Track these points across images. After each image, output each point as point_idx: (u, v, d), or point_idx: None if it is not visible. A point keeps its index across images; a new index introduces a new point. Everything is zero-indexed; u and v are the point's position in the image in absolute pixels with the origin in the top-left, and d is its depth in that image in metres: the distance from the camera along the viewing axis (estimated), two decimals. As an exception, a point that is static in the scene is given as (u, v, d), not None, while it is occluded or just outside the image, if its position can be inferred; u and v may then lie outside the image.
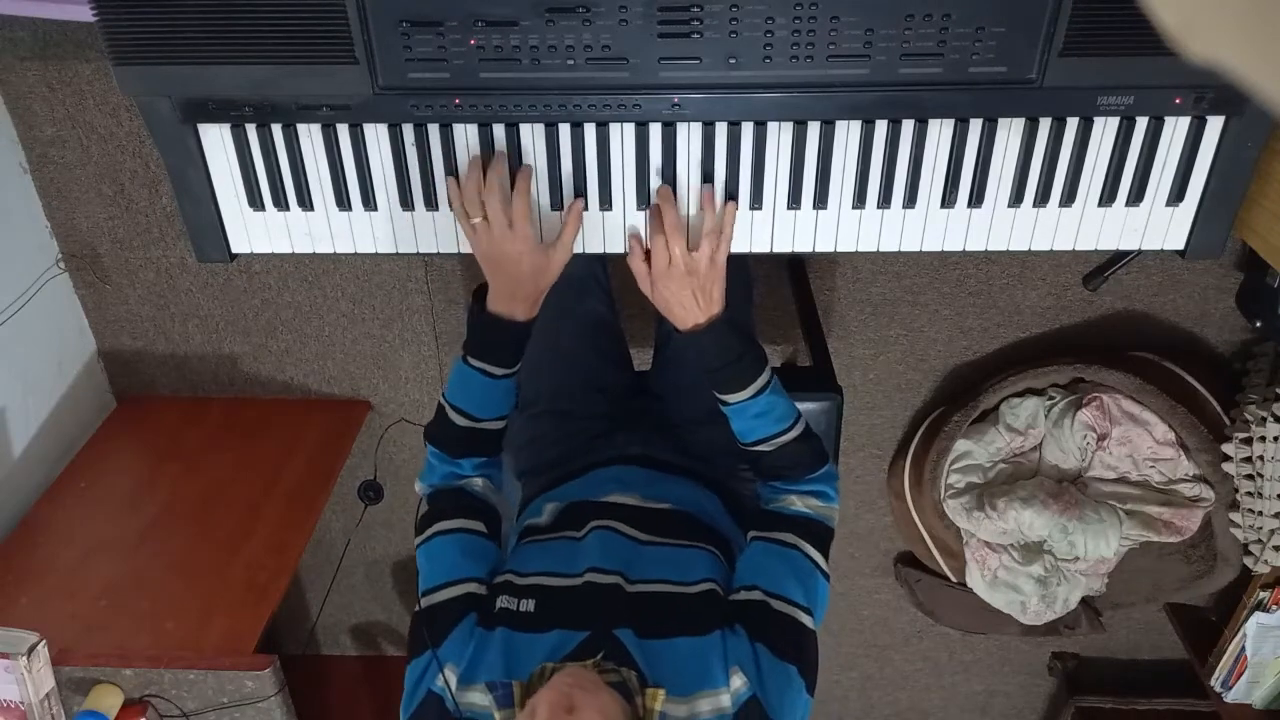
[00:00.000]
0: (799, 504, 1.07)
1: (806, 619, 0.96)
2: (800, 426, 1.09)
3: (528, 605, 0.95)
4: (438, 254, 1.43)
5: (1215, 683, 2.05)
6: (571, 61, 0.95)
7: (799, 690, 0.90)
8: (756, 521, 1.07)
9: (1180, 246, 1.08)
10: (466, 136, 1.02)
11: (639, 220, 1.07)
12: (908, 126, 1.00)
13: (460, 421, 1.09)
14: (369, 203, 1.06)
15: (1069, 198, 1.04)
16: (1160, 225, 1.06)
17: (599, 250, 1.08)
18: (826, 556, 1.05)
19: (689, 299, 1.03)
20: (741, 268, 1.35)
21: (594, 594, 0.96)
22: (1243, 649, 1.98)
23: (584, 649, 0.89)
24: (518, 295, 1.04)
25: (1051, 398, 1.96)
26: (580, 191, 1.04)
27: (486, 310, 1.05)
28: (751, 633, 0.91)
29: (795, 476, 1.09)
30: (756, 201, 1.05)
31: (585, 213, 1.06)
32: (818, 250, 1.09)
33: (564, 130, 1.01)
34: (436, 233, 1.08)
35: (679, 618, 0.93)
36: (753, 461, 1.12)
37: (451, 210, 1.04)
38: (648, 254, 1.04)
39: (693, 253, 1.01)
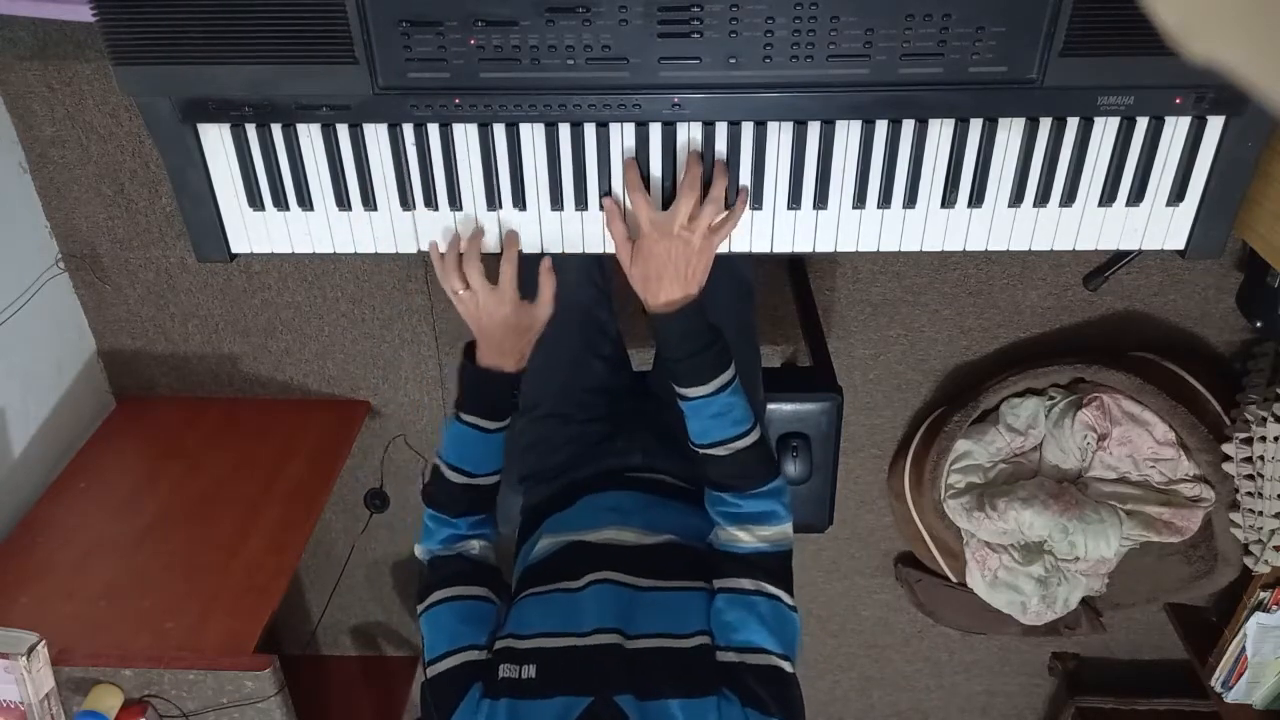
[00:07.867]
0: (750, 540, 1.04)
1: (785, 664, 0.95)
2: (756, 433, 1.07)
3: (529, 672, 0.95)
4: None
5: (1215, 683, 2.05)
6: (571, 61, 0.95)
7: None
8: (715, 568, 1.04)
9: (1180, 246, 1.08)
10: (466, 136, 1.02)
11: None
12: (908, 126, 1.00)
13: (458, 479, 1.12)
14: (369, 203, 1.06)
15: (1069, 198, 1.04)
16: (1160, 225, 1.06)
17: (597, 250, 1.08)
18: (790, 584, 1.04)
19: (675, 270, 1.00)
20: (743, 270, 1.35)
21: (593, 655, 0.96)
22: (1243, 649, 1.97)
23: (587, 718, 0.89)
24: (506, 350, 1.10)
25: (1052, 398, 1.96)
26: (580, 191, 1.04)
27: (477, 365, 1.10)
28: (741, 697, 0.91)
29: (745, 488, 1.06)
30: (757, 201, 1.05)
31: (584, 213, 1.06)
32: (818, 250, 1.08)
33: (564, 130, 1.01)
34: (436, 233, 1.08)
35: (676, 677, 0.93)
36: (704, 468, 1.09)
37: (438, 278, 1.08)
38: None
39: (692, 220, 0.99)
